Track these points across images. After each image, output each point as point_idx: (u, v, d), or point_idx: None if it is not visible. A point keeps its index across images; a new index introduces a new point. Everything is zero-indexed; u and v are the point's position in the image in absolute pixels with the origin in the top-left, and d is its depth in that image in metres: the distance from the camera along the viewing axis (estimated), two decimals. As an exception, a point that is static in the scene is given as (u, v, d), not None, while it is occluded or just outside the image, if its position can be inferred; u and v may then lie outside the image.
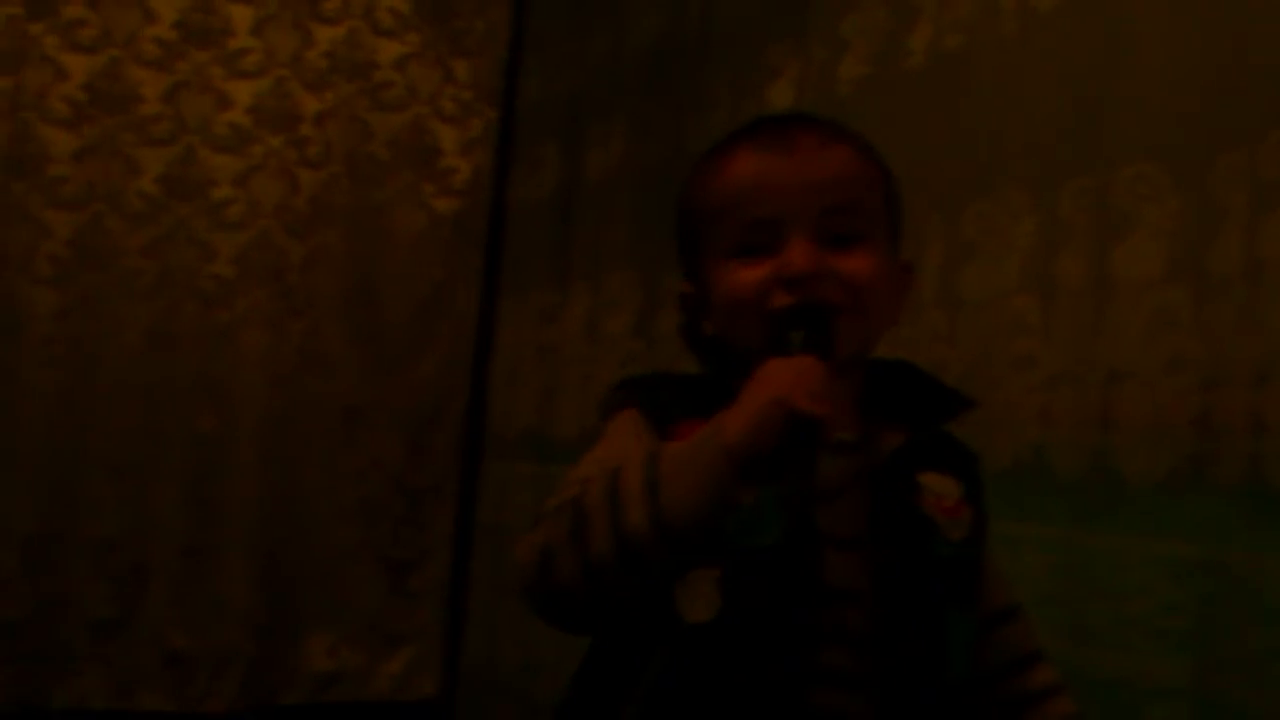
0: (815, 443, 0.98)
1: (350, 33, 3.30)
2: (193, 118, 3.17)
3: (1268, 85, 1.44)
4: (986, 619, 1.19)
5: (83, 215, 3.07)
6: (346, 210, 3.28)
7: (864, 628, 1.08)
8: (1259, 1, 1.47)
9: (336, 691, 3.27)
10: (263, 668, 3.17)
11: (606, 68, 2.99)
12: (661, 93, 2.72)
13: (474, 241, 3.43)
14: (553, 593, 1.03)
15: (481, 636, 3.19)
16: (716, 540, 1.01)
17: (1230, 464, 1.44)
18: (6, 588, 2.97)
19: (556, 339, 3.02)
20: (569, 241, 3.01)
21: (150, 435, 3.11)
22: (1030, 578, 1.66)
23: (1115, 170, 1.61)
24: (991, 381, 1.76)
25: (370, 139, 3.32)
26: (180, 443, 3.13)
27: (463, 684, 3.29)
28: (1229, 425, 1.45)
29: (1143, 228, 1.57)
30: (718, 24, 2.55)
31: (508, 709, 3.00)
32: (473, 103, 3.44)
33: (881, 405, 1.19)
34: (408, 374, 3.36)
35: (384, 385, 3.33)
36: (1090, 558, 1.60)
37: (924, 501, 1.14)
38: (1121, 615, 1.55)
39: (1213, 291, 1.49)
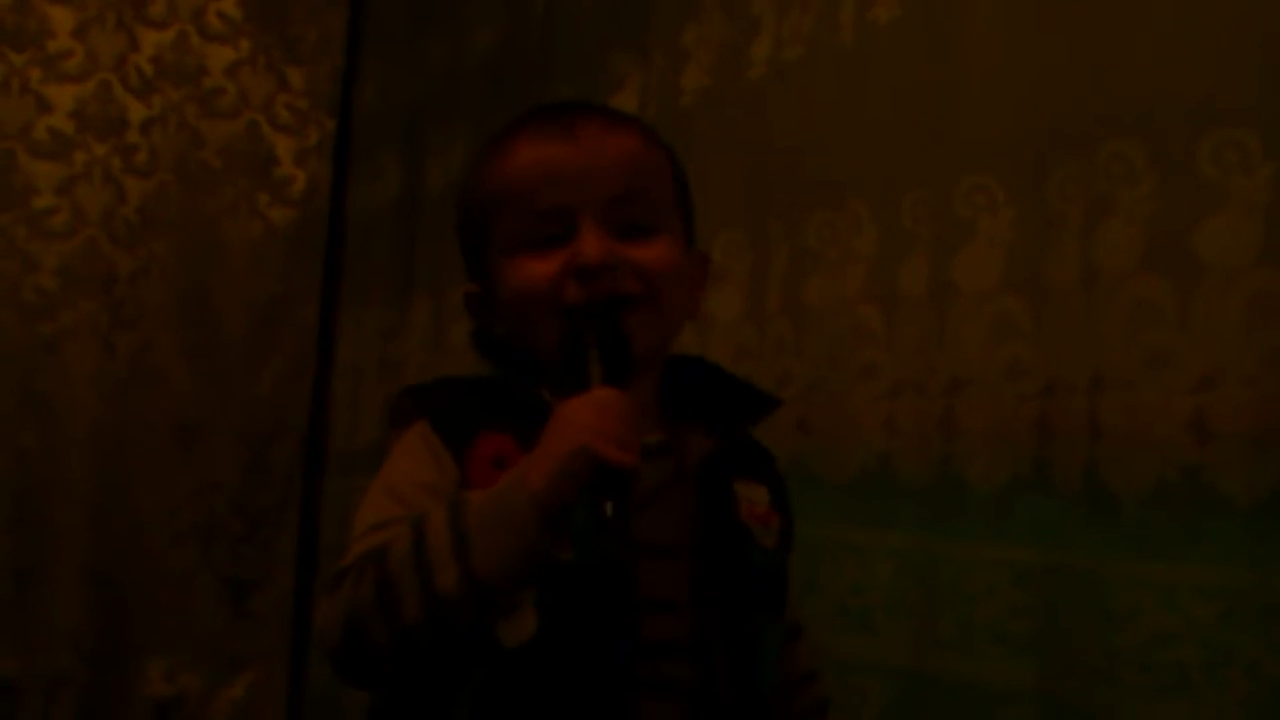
0: (627, 493, 0.93)
1: (178, 37, 3.19)
2: (10, 122, 3.03)
3: (1100, 97, 1.47)
4: (785, 632, 1.20)
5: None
6: (177, 220, 3.17)
7: (684, 637, 1.06)
8: (1091, 16, 1.50)
9: (176, 717, 3.15)
10: (98, 693, 3.04)
11: (446, 76, 2.94)
12: (502, 102, 2.68)
13: (312, 253, 3.34)
14: (363, 660, 0.98)
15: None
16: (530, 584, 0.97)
17: (1069, 469, 1.47)
18: None
19: (399, 352, 2.96)
20: (410, 253, 2.95)
21: (-31, 453, 2.98)
22: (879, 585, 1.68)
23: (953, 181, 1.63)
24: (837, 390, 1.77)
25: (201, 146, 3.21)
26: (2, 460, 2.99)
27: (308, 708, 3.21)
28: (1067, 430, 1.47)
29: (981, 238, 1.59)
30: (559, 33, 2.53)
31: (355, 732, 2.93)
32: (308, 111, 3.35)
33: (683, 403, 1.17)
34: (245, 389, 3.26)
35: (221, 401, 3.23)
36: (937, 563, 1.61)
37: (740, 509, 1.13)
38: (968, 620, 1.56)
39: (1050, 300, 1.52)
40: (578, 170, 1.09)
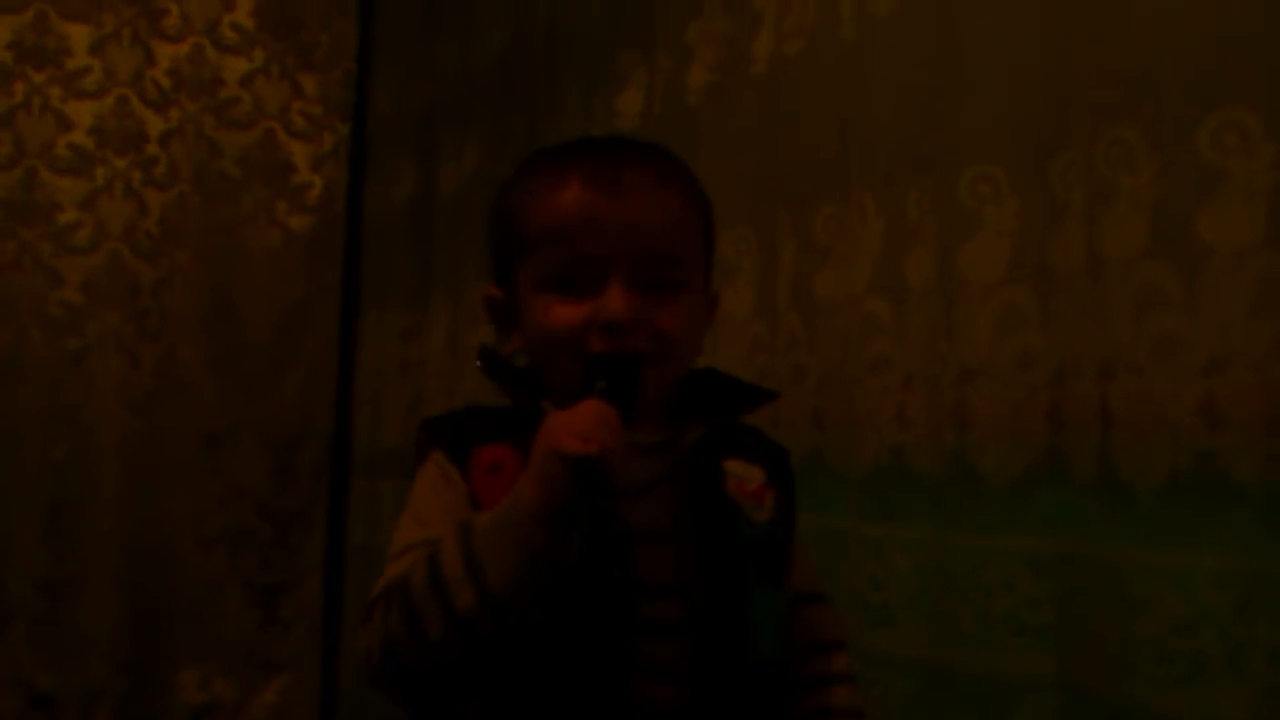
0: (604, 478, 0.99)
1: (193, 50, 3.24)
2: (33, 140, 3.08)
3: (1100, 84, 1.46)
4: (790, 602, 1.23)
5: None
6: (198, 230, 3.22)
7: (677, 618, 1.11)
8: (1090, 4, 1.48)
9: (211, 724, 3.20)
10: (133, 703, 3.10)
11: (457, 79, 2.95)
12: (513, 103, 2.69)
13: (331, 258, 3.39)
14: (402, 680, 1.05)
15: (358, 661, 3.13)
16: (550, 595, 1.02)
17: (1082, 458, 1.45)
18: None
19: (419, 354, 2.97)
20: (427, 255, 2.97)
21: (3, 467, 3.02)
22: (896, 579, 1.67)
23: (957, 171, 1.62)
24: (849, 384, 1.76)
25: (219, 156, 3.26)
26: (35, 474, 3.05)
27: (341, 710, 3.23)
28: (1079, 419, 1.46)
29: (986, 228, 1.58)
30: (565, 34, 2.53)
31: (387, 733, 2.95)
32: (323, 117, 3.39)
33: (692, 409, 1.22)
34: (269, 396, 3.30)
35: (246, 408, 3.27)
36: (953, 556, 1.61)
37: (727, 486, 1.18)
38: (986, 612, 1.56)
39: (1057, 288, 1.51)
40: (618, 225, 1.14)
